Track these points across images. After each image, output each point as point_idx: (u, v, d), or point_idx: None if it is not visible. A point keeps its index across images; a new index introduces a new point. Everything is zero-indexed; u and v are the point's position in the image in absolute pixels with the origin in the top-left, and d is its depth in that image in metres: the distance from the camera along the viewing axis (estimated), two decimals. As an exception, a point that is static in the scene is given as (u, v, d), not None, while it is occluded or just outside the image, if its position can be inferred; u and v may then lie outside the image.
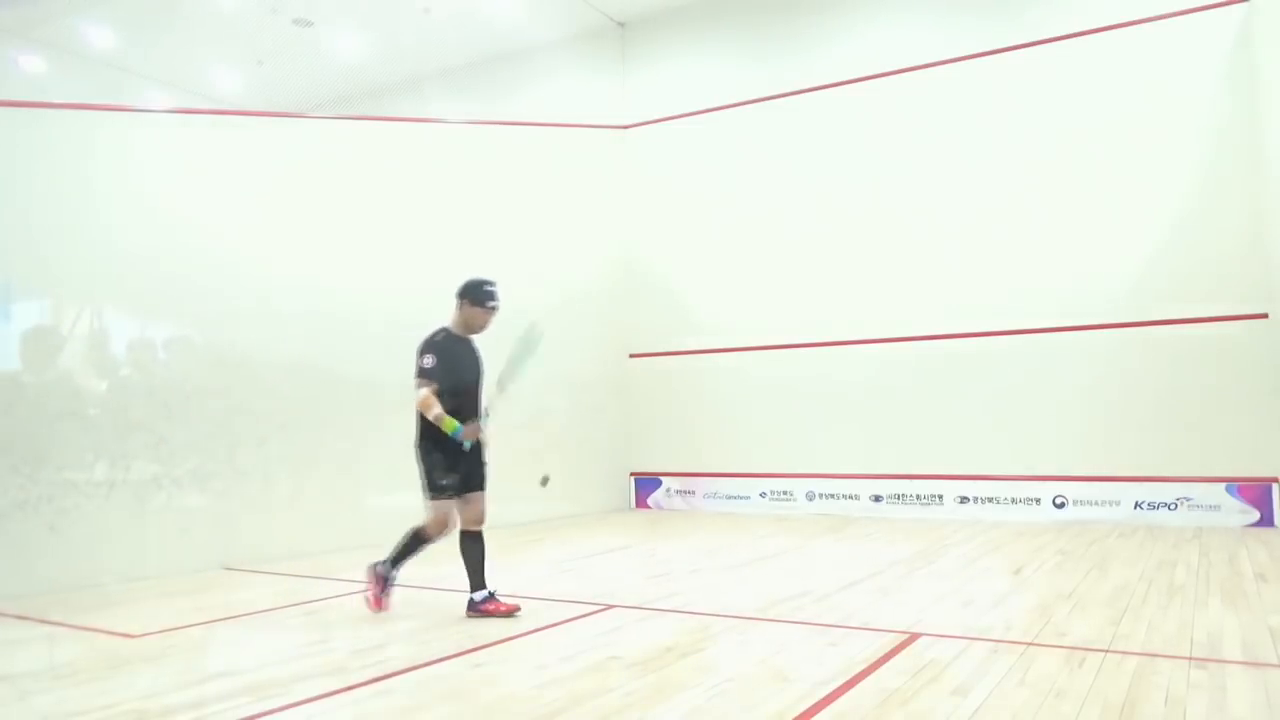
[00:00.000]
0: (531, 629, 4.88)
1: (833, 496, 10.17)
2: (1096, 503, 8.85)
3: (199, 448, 7.52)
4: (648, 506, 11.38)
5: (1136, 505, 8.68)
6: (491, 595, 5.22)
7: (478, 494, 5.32)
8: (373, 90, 14.02)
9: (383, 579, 5.42)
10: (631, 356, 11.66)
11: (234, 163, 8.18)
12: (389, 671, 4.09)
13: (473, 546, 5.27)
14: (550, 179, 10.97)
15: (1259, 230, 8.34)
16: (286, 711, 3.56)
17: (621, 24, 12.06)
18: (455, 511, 5.28)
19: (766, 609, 5.14)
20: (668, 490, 11.27)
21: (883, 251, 10.08)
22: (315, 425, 8.30)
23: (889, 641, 4.34)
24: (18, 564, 6.47)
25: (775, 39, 10.94)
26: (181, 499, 7.36)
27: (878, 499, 9.90)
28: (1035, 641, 4.28)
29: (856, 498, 10.01)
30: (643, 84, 11.92)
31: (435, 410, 5.07)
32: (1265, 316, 8.31)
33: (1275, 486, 8.19)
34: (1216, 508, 8.36)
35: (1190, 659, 3.89)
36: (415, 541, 5.35)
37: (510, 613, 5.16)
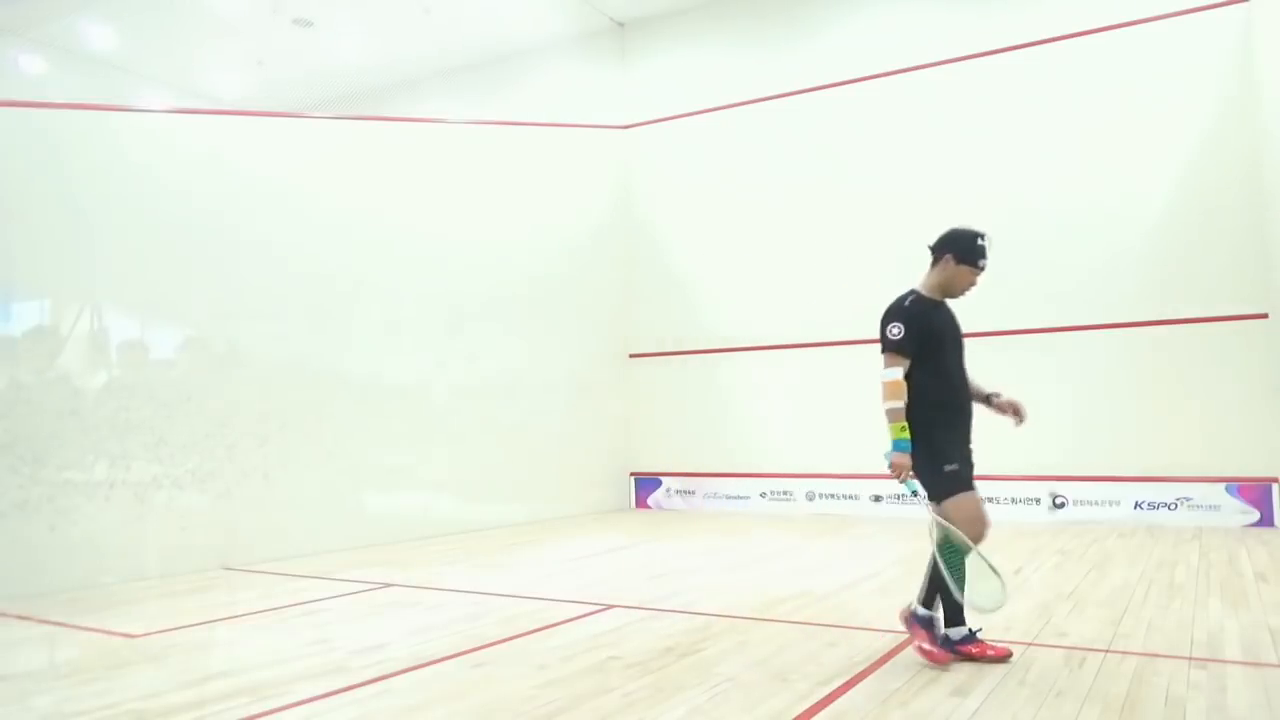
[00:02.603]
0: (531, 629, 4.87)
1: (833, 496, 10.16)
2: (1096, 503, 8.85)
3: (199, 448, 7.52)
4: (648, 506, 11.38)
5: (1136, 505, 8.68)
6: (974, 634, 4.03)
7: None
8: (373, 90, 14.03)
9: (925, 623, 4.03)
10: (631, 356, 11.66)
11: (234, 162, 8.18)
12: (389, 671, 4.09)
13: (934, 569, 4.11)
14: (550, 179, 10.98)
15: (1259, 230, 8.34)
16: (286, 711, 3.56)
17: (621, 24, 12.06)
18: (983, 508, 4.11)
19: (766, 609, 5.13)
20: (668, 490, 11.27)
21: (882, 251, 10.04)
22: (315, 425, 8.30)
23: (889, 641, 4.34)
24: (18, 564, 6.47)
25: (774, 39, 10.94)
26: (181, 499, 7.35)
27: (878, 499, 9.89)
28: (1035, 641, 4.28)
29: (856, 498, 10.01)
30: (642, 84, 11.91)
31: (899, 401, 3.90)
32: (1265, 316, 8.31)
33: (1275, 486, 8.19)
34: (1216, 508, 8.36)
35: (1190, 659, 3.89)
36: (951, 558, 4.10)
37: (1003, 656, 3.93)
